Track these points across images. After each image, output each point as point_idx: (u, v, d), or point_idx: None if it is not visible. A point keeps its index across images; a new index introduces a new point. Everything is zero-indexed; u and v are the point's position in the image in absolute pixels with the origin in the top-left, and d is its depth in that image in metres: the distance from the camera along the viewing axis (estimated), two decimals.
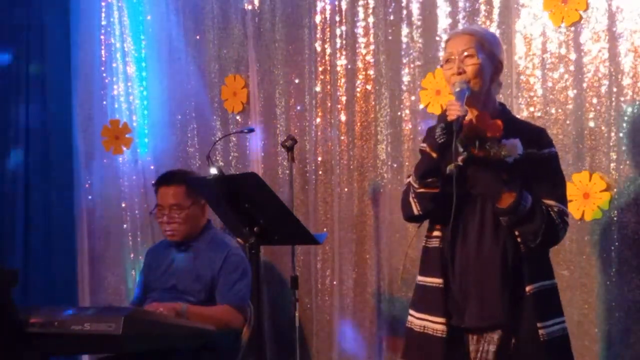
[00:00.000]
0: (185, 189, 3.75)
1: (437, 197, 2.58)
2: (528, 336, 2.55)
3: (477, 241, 2.58)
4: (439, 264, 2.64)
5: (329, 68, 4.12)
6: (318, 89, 4.16)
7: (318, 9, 4.15)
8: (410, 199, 2.65)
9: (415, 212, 2.64)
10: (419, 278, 2.72)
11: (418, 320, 2.69)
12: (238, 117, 4.45)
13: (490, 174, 2.52)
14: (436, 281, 2.65)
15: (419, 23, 3.86)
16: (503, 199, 2.51)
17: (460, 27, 3.67)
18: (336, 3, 4.08)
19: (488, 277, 2.56)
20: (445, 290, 2.62)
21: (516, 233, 2.54)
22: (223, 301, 3.64)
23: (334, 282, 4.09)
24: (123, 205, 4.75)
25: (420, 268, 2.74)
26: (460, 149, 2.50)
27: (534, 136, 2.61)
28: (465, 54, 2.59)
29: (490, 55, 2.62)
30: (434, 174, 2.56)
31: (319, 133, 4.16)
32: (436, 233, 2.68)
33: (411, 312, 2.74)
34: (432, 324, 2.64)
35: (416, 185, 2.61)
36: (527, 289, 2.55)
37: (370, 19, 4.01)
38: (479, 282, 2.58)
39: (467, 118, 2.50)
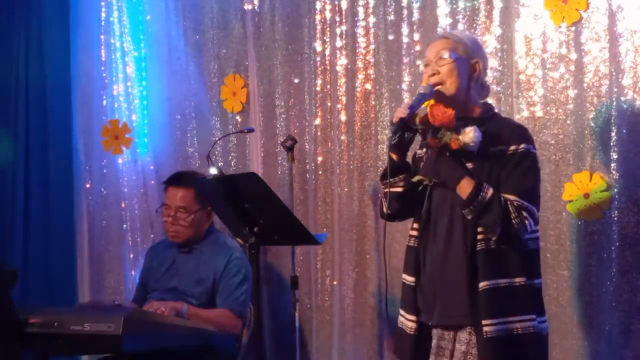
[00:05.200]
0: (194, 193, 3.74)
1: (401, 196, 2.73)
2: (479, 333, 2.58)
3: (446, 240, 2.66)
4: (413, 263, 2.74)
5: (329, 68, 4.12)
6: (318, 89, 4.16)
7: (318, 9, 4.14)
8: (382, 199, 2.80)
9: (385, 210, 2.75)
10: (402, 275, 2.82)
11: (399, 316, 2.80)
12: (238, 117, 4.45)
13: (451, 162, 2.60)
14: (410, 279, 2.76)
15: (419, 23, 3.86)
16: (463, 187, 2.57)
17: (460, 27, 3.69)
18: (336, 3, 4.08)
19: (454, 274, 2.63)
20: (417, 288, 2.73)
21: (479, 229, 2.59)
22: (223, 305, 3.64)
23: (334, 282, 4.09)
24: (123, 205, 4.75)
25: (403, 266, 2.83)
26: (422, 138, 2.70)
27: (509, 133, 2.65)
28: (439, 56, 2.70)
29: (465, 56, 2.70)
30: (394, 174, 2.70)
31: (319, 133, 4.16)
32: (413, 232, 2.78)
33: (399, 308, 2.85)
34: (406, 321, 2.76)
35: (382, 186, 2.76)
36: (480, 285, 2.57)
37: (370, 19, 4.00)
38: (446, 280, 2.64)
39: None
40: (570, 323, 3.45)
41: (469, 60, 2.70)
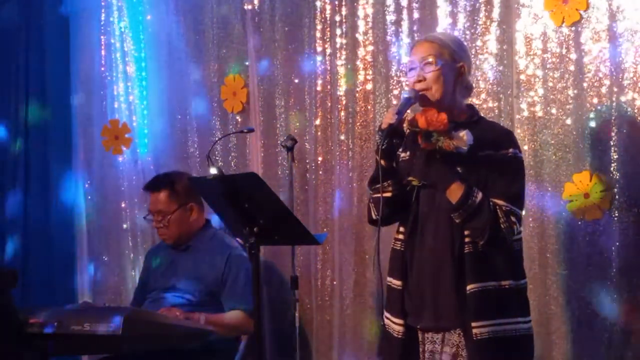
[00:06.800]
0: (168, 194, 3.76)
1: (389, 201, 2.72)
2: (467, 335, 2.60)
3: (433, 242, 2.67)
4: (400, 266, 2.75)
5: (329, 68, 4.12)
6: (318, 88, 4.16)
7: (318, 8, 4.14)
8: (369, 204, 2.82)
9: (374, 216, 2.78)
10: (387, 278, 2.82)
11: (385, 319, 2.81)
12: (238, 117, 4.45)
13: (442, 164, 2.61)
14: (396, 283, 2.76)
15: (419, 23, 3.86)
16: (453, 190, 2.59)
17: (460, 27, 3.68)
18: (336, 3, 4.08)
19: (442, 277, 2.64)
20: (404, 292, 2.73)
21: (466, 232, 2.60)
22: (235, 306, 3.63)
23: (334, 282, 4.09)
24: (123, 205, 4.75)
25: (388, 268, 2.83)
26: (400, 150, 2.72)
27: (496, 137, 2.68)
28: (425, 61, 2.70)
29: (451, 61, 2.71)
30: (383, 179, 2.70)
31: (319, 133, 4.16)
32: (399, 236, 2.79)
33: (384, 310, 2.85)
34: (393, 324, 2.76)
35: (370, 191, 2.78)
36: (468, 287, 2.59)
37: (370, 19, 4.00)
38: (434, 283, 2.66)
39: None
40: (570, 323, 3.45)
41: (454, 64, 2.72)
